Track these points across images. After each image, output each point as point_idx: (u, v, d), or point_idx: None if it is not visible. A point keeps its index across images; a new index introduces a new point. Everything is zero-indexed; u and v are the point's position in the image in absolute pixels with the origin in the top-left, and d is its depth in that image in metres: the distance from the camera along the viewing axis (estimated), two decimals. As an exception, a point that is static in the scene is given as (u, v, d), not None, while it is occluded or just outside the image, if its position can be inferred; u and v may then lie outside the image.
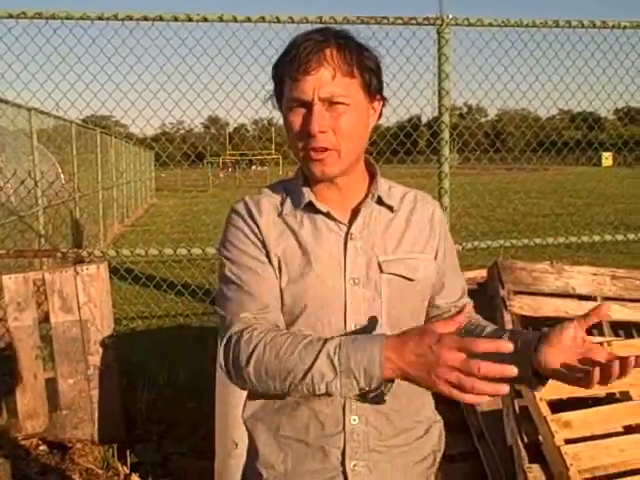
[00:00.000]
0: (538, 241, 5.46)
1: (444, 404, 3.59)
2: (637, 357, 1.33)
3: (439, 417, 1.87)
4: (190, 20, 4.65)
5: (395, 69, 5.34)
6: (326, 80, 1.52)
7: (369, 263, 1.65)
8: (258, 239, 1.65)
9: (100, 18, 4.62)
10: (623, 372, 1.33)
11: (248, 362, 1.47)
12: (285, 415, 1.65)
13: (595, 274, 3.75)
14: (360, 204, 1.69)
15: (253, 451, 1.71)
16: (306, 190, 1.67)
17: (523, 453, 3.02)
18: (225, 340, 1.55)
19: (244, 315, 1.57)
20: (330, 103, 1.54)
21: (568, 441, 2.91)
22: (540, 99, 5.76)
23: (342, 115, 1.55)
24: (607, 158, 48.60)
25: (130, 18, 4.65)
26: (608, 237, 5.66)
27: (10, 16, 4.55)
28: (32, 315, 4.31)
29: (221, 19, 4.65)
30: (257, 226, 1.66)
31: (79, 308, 4.36)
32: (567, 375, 1.43)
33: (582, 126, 6.10)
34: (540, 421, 2.99)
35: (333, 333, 1.58)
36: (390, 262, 1.66)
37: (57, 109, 5.31)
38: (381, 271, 1.65)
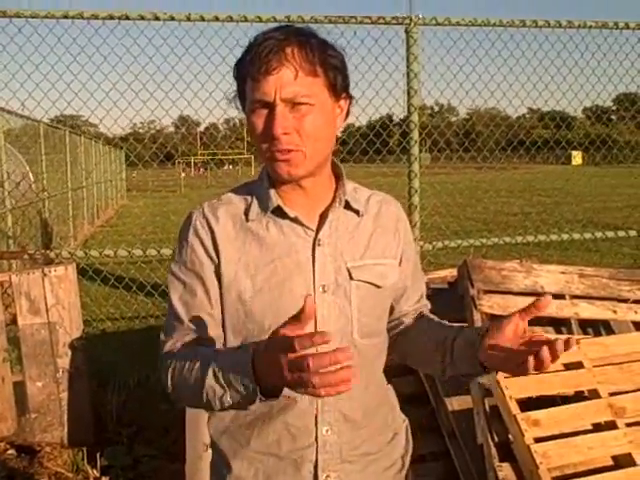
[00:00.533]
0: (508, 240, 5.50)
1: (414, 404, 3.61)
2: (566, 340, 1.32)
3: (404, 417, 1.86)
4: (157, 19, 4.62)
5: (364, 68, 5.34)
6: (288, 80, 1.46)
7: (338, 270, 1.61)
8: (208, 255, 1.60)
9: (65, 17, 4.58)
10: (554, 355, 1.31)
11: (171, 389, 1.52)
12: (256, 428, 1.61)
13: (563, 272, 3.77)
14: (327, 209, 1.64)
15: (222, 467, 1.67)
16: (273, 193, 1.60)
17: (494, 452, 3.03)
18: (159, 362, 1.59)
19: (170, 342, 1.59)
20: (293, 104, 1.48)
21: (538, 439, 2.92)
22: (508, 98, 5.81)
23: (306, 116, 1.49)
24: (576, 157, 49.08)
25: (96, 17, 4.62)
26: (576, 235, 5.73)
27: (-28, 14, 4.49)
28: (-1, 318, 4.26)
29: (188, 18, 4.62)
30: (213, 239, 1.60)
31: (47, 310, 4.30)
32: (505, 364, 1.42)
33: (550, 125, 6.15)
34: (510, 420, 2.99)
35: None
36: (358, 268, 1.63)
37: (22, 108, 5.25)
38: (350, 278, 1.61)
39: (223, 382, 1.35)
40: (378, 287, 1.65)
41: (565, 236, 5.67)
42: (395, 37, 5.10)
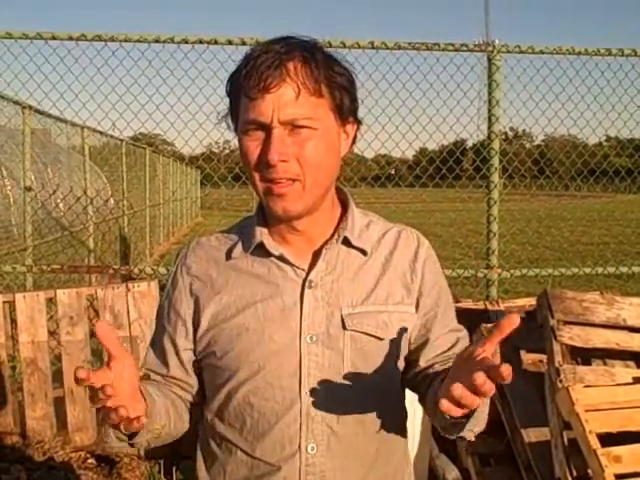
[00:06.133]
0: (588, 270, 5.40)
1: (490, 433, 3.57)
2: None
3: (408, 465, 1.60)
4: (244, 44, 4.73)
5: (445, 95, 5.37)
6: (288, 99, 1.29)
7: (330, 317, 1.40)
8: (189, 293, 1.48)
9: (157, 41, 4.76)
10: (496, 378, 1.07)
11: None
12: None
13: (647, 306, 3.69)
14: (323, 246, 1.44)
15: None
16: (259, 229, 1.44)
17: (572, 486, 2.98)
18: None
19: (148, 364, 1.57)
20: (293, 126, 1.31)
21: (618, 476, 2.86)
22: (592, 127, 5.72)
23: (307, 141, 1.32)
24: (656, 186, 47.80)
25: (186, 41, 4.78)
26: (660, 268, 5.58)
27: (70, 38, 4.71)
28: (84, 330, 4.39)
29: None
30: (191, 277, 1.48)
31: (129, 324, 4.42)
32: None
33: (635, 154, 6.04)
34: (590, 454, 2.94)
35: (285, 401, 1.39)
36: (356, 316, 1.41)
37: (113, 129, 5.46)
38: (344, 327, 1.40)
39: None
40: (379, 339, 1.42)
41: (648, 268, 5.54)
42: (466, 63, 5.14)
